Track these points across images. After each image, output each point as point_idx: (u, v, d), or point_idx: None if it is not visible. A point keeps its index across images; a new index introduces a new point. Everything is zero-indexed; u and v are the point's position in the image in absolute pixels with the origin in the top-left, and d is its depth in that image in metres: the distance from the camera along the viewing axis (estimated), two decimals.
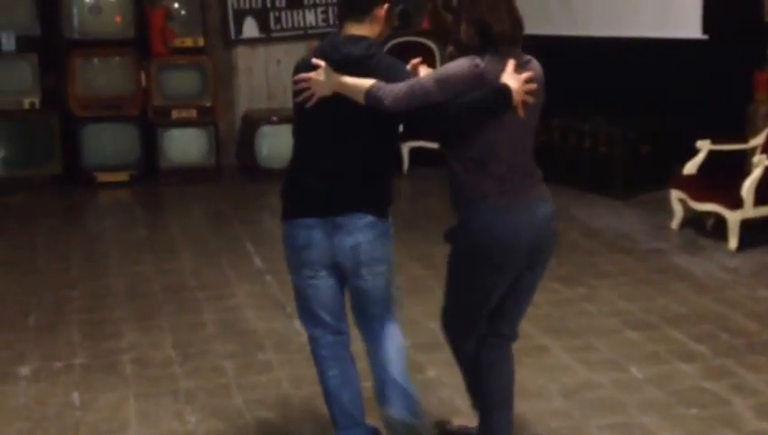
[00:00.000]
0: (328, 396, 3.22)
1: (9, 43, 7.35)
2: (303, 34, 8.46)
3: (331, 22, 8.47)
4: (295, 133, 3.24)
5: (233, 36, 8.29)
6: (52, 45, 7.51)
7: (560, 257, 5.51)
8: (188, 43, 7.83)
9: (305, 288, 3.20)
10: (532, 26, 8.70)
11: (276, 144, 7.87)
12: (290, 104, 8.59)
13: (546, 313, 4.62)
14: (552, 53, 7.87)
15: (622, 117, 7.12)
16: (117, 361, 4.09)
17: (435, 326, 4.42)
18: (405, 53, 8.41)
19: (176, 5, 7.85)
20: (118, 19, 7.67)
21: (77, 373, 3.96)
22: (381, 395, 3.16)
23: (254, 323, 4.55)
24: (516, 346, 4.16)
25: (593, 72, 7.64)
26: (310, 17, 8.45)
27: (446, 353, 4.11)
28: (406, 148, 8.11)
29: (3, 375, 3.93)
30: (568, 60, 7.86)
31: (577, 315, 4.59)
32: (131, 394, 3.76)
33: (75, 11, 7.54)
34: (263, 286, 5.11)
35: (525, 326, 4.38)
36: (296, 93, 3.13)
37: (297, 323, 4.46)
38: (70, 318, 4.63)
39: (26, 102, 7.44)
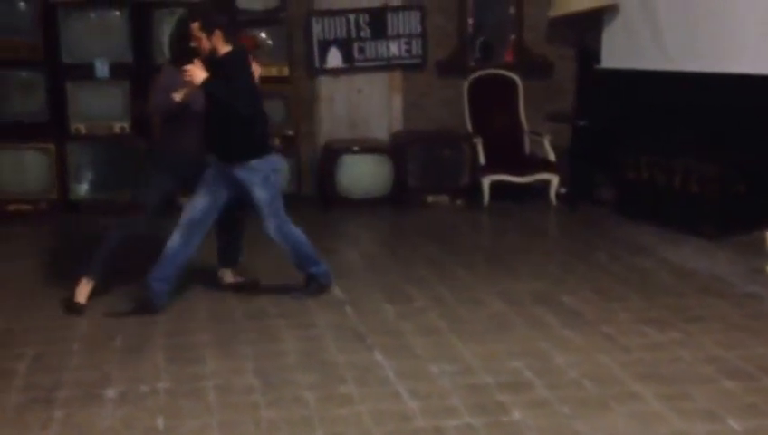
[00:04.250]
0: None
1: (103, 70, 7.57)
2: (386, 65, 8.53)
3: (414, 52, 8.53)
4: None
5: (317, 66, 8.39)
6: (143, 72, 7.69)
7: (649, 299, 5.40)
8: (273, 71, 7.94)
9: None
10: (621, 61, 8.66)
11: (356, 174, 7.93)
12: (371, 134, 8.78)
13: (638, 358, 4.49)
14: (642, 88, 7.83)
15: (715, 154, 6.94)
16: (200, 387, 4.12)
17: (519, 365, 4.37)
18: (488, 86, 8.48)
19: (263, 35, 7.98)
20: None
21: (162, 398, 4.00)
22: None
23: (334, 354, 4.54)
24: (607, 392, 4.08)
25: (684, 108, 7.48)
26: (393, 48, 8.51)
27: (532, 394, 4.05)
28: (486, 181, 8.06)
29: (90, 397, 4.00)
30: (657, 95, 7.74)
31: (670, 362, 4.43)
32: (215, 422, 3.77)
33: (166, 39, 7.70)
34: (343, 317, 5.11)
35: (616, 371, 4.30)
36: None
37: (378, 356, 4.48)
38: (155, 342, 4.69)
39: (117, 127, 7.65)
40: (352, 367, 4.35)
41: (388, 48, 8.50)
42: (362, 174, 7.95)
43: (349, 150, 7.98)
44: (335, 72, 8.42)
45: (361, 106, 8.51)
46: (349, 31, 8.40)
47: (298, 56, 8.25)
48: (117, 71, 7.61)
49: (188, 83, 4.93)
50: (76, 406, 3.89)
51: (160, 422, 3.76)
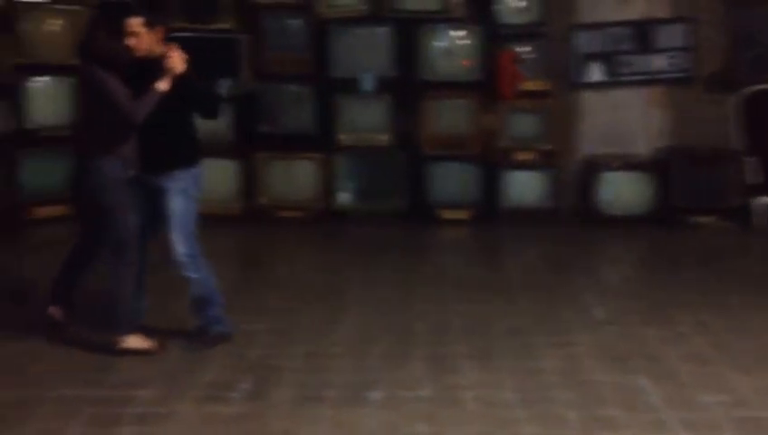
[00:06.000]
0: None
1: (369, 84, 7.86)
2: (650, 79, 8.24)
3: (680, 66, 8.20)
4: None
5: (578, 80, 8.26)
6: (406, 86, 7.91)
7: None
8: (534, 86, 7.94)
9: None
10: None
11: (617, 190, 7.72)
12: (633, 150, 8.46)
13: None
14: None
15: None
16: (460, 397, 4.15)
17: None
18: (763, 102, 7.95)
19: (525, 49, 7.96)
20: (467, 62, 7.95)
21: (423, 405, 4.06)
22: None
23: (595, 374, 4.42)
24: None
25: None
26: (658, 62, 8.21)
27: None
28: (759, 202, 7.55)
29: (356, 398, 4.13)
30: None
31: None
32: (475, 433, 3.79)
33: (430, 54, 7.91)
34: (604, 337, 4.97)
35: None
36: None
37: (642, 380, 4.30)
38: (415, 350, 4.78)
39: (380, 139, 7.91)
40: (615, 389, 4.22)
41: (652, 62, 8.22)
42: (623, 191, 7.73)
43: (609, 167, 7.78)
44: (596, 87, 8.25)
45: (623, 121, 8.27)
46: (611, 44, 8.20)
47: (559, 69, 8.16)
48: (381, 85, 7.87)
49: (171, 71, 4.52)
50: (343, 406, 4.04)
51: (422, 429, 3.82)
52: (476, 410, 4.01)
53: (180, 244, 4.70)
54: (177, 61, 4.53)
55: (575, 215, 8.01)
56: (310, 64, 7.94)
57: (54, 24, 7.77)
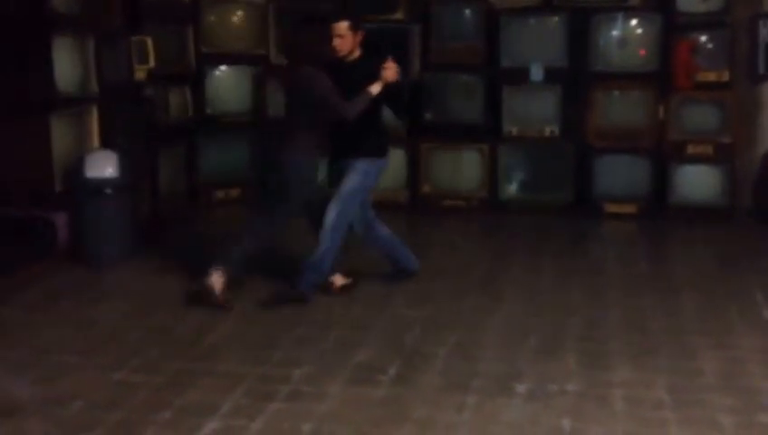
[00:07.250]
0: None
1: (537, 74, 7.76)
2: None
3: None
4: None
5: (761, 71, 7.82)
6: (576, 77, 7.76)
7: None
8: (711, 77, 7.60)
9: None
10: None
11: None
12: None
13: None
14: None
15: None
16: (608, 394, 4.07)
17: None
18: None
19: (703, 39, 7.64)
20: (642, 52, 7.72)
21: (569, 399, 4.02)
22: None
23: (757, 380, 4.22)
24: None
25: None
26: None
27: None
28: None
29: (501, 389, 4.13)
30: None
31: None
32: (620, 431, 3.71)
33: (602, 44, 7.74)
34: None
35: None
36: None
37: None
38: (567, 344, 4.72)
39: (547, 131, 7.80)
40: None
41: None
42: None
43: None
44: None
45: None
46: None
47: (739, 60, 7.76)
48: (551, 75, 7.76)
49: (385, 79, 5.06)
50: (488, 396, 4.05)
51: (566, 423, 3.79)
52: (624, 408, 3.92)
53: (333, 214, 5.21)
54: (391, 72, 5.07)
55: (751, 213, 7.62)
56: (479, 54, 7.92)
57: (236, 16, 8.17)
